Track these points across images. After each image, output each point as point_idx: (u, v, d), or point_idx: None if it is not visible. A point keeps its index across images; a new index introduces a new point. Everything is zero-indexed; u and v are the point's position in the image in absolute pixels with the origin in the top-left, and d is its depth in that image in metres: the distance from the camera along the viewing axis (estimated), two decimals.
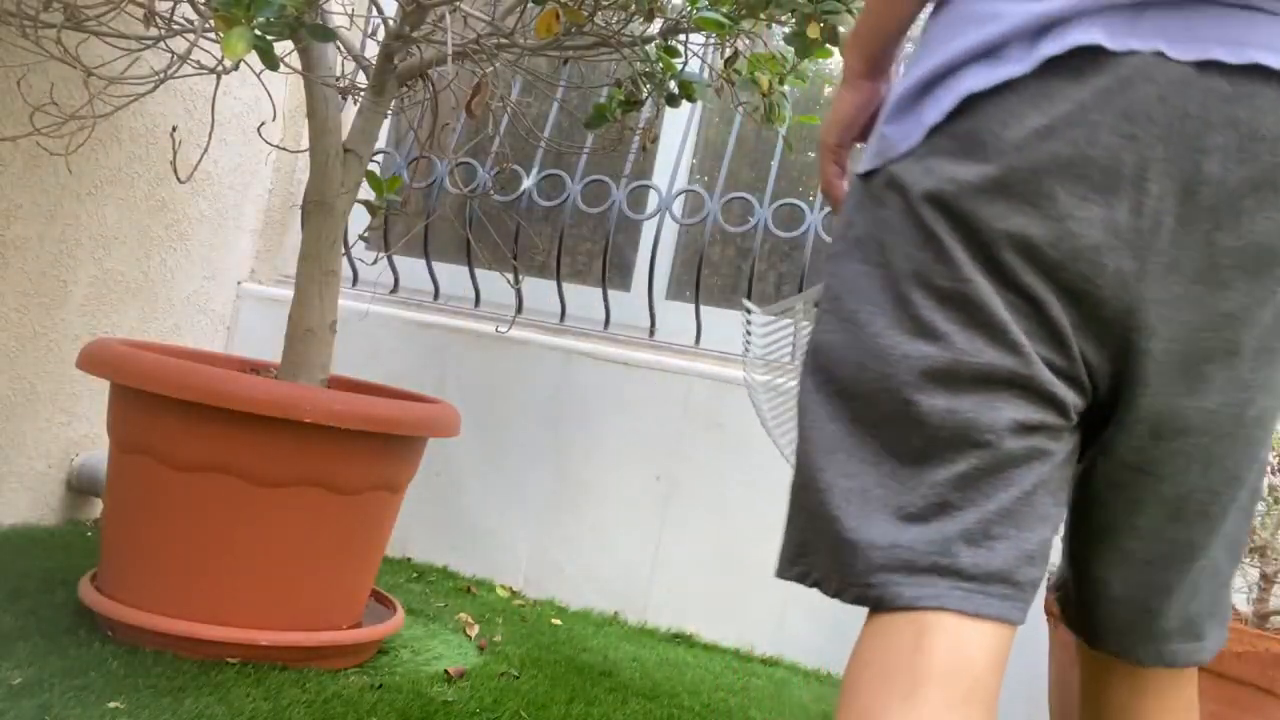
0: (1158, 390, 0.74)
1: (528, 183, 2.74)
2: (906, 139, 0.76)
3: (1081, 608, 0.94)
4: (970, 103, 0.73)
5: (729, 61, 1.82)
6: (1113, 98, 0.70)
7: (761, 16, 1.65)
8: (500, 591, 2.49)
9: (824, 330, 0.81)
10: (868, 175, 0.80)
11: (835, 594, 0.81)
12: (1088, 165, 0.70)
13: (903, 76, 0.81)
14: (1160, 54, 0.69)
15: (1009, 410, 0.73)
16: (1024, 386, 0.73)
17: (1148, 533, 0.84)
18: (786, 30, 1.69)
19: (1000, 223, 0.71)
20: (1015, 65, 0.72)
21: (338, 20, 2.06)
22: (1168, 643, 0.89)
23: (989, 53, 0.74)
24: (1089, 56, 0.70)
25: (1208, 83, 0.69)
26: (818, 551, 0.83)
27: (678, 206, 2.69)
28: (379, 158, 2.86)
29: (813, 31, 1.61)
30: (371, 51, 2.25)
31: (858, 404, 0.77)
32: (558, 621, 2.30)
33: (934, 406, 0.73)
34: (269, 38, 1.43)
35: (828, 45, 1.64)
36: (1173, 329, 0.72)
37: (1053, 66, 0.71)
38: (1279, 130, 0.69)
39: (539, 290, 2.75)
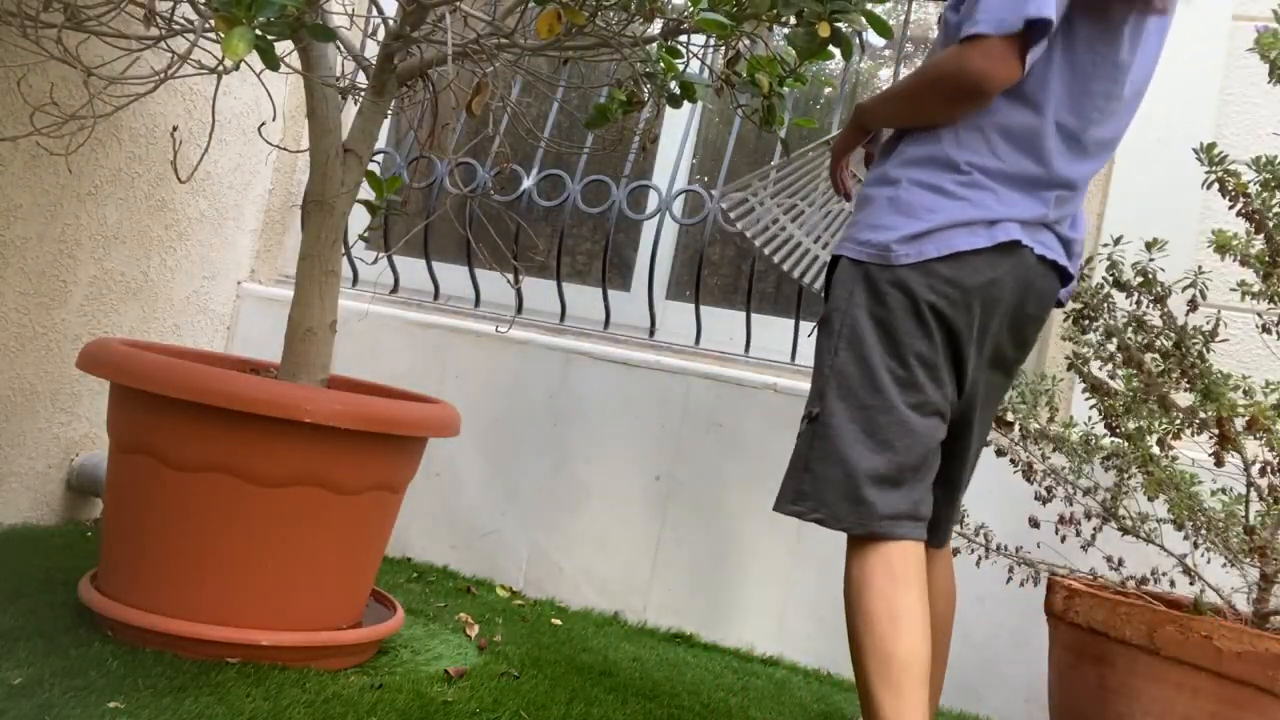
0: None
1: (528, 183, 2.74)
2: (908, 257, 1.41)
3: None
4: (957, 254, 1.41)
5: (730, 62, 1.82)
6: (1016, 268, 1.45)
7: (764, 18, 1.65)
8: (500, 591, 2.49)
9: (845, 362, 1.45)
10: (868, 264, 1.44)
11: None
12: (1001, 300, 1.45)
13: (899, 212, 1.44)
14: (1031, 249, 1.45)
15: (941, 430, 1.47)
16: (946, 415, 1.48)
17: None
18: (788, 31, 1.69)
19: (964, 324, 1.44)
20: (982, 240, 1.42)
21: (338, 20, 2.06)
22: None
23: (966, 225, 1.42)
24: (1014, 245, 1.43)
25: (1040, 266, 1.48)
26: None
27: (678, 206, 2.69)
28: (379, 158, 2.86)
29: (823, 30, 1.60)
30: (371, 51, 2.25)
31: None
32: (558, 621, 2.30)
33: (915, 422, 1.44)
34: (269, 38, 1.43)
35: (830, 47, 1.64)
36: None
37: (999, 246, 1.42)
38: (1050, 292, 1.52)
39: (539, 290, 2.75)
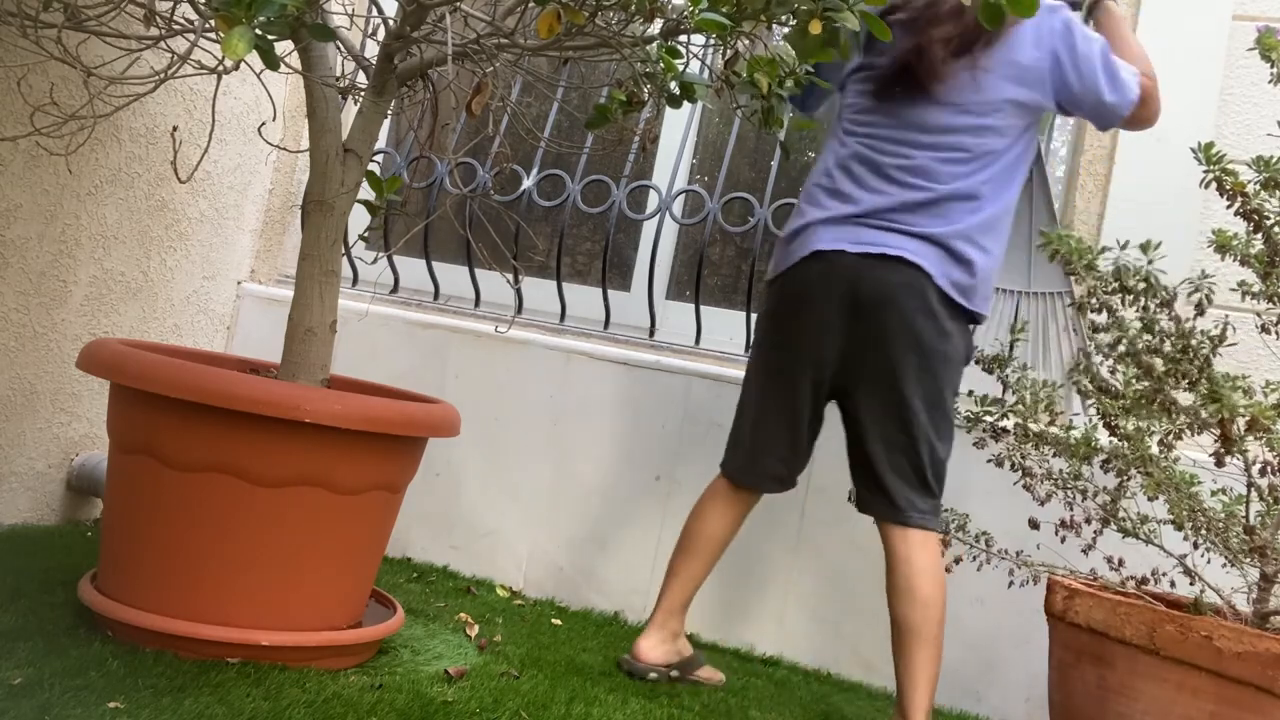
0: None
1: (528, 183, 2.74)
2: (774, 271, 1.97)
3: None
4: (785, 270, 1.92)
5: (729, 62, 1.81)
6: (827, 270, 1.86)
7: (762, 18, 1.65)
8: (500, 591, 2.49)
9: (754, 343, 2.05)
10: (769, 281, 2.00)
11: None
12: (817, 296, 1.87)
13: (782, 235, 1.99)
14: (842, 250, 1.85)
15: (782, 411, 1.97)
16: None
17: None
18: (786, 31, 1.69)
19: (796, 316, 1.91)
20: (797, 256, 1.90)
21: (338, 20, 2.06)
22: None
23: (789, 242, 1.94)
24: (816, 254, 1.87)
25: (864, 260, 1.83)
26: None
27: (678, 206, 2.69)
28: (379, 158, 2.86)
29: (814, 28, 1.60)
30: (371, 51, 2.25)
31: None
32: (558, 621, 2.30)
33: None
34: (269, 37, 1.43)
35: (828, 46, 1.64)
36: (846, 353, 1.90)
37: (804, 259, 1.89)
38: (891, 278, 1.81)
39: (539, 290, 2.75)
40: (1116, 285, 1.79)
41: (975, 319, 1.88)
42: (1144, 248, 1.75)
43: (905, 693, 1.80)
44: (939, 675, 1.81)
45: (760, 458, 1.97)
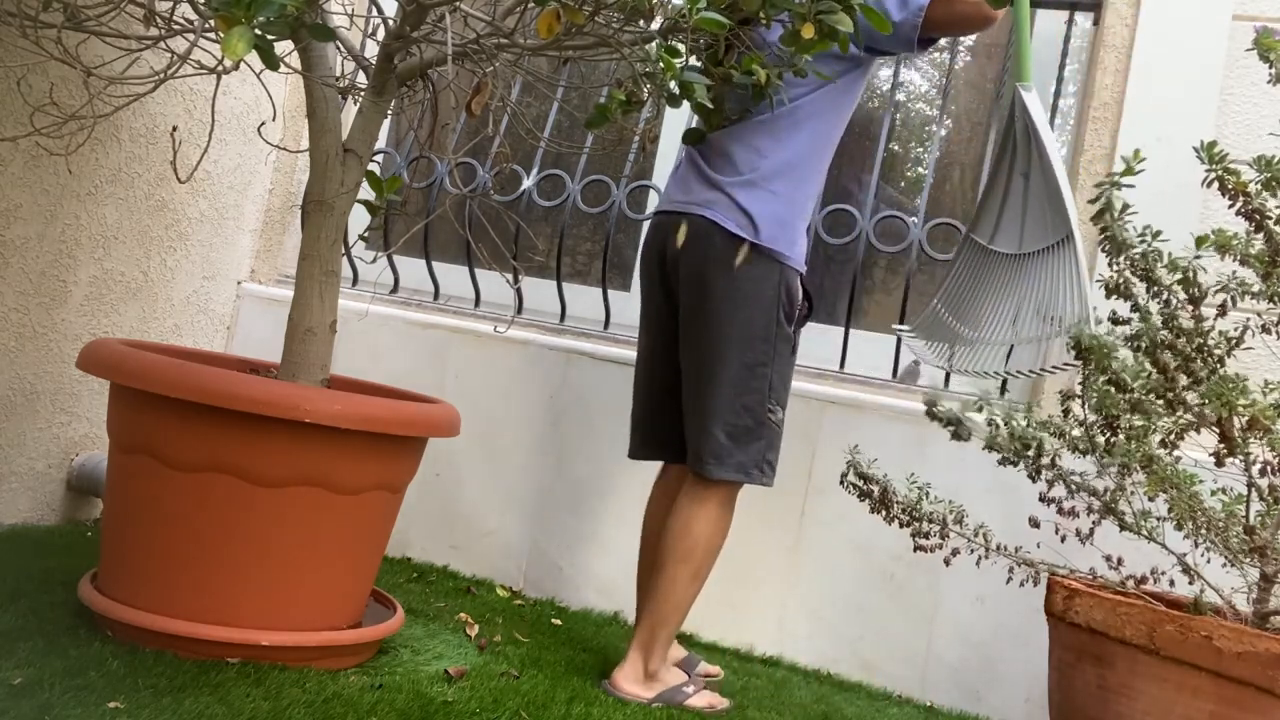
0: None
1: (528, 183, 2.74)
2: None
3: None
4: (655, 218, 2.08)
5: (727, 55, 1.82)
6: (655, 228, 2.05)
7: (761, 18, 1.65)
8: (500, 591, 2.49)
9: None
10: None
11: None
12: (648, 250, 2.06)
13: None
14: (664, 210, 2.02)
15: (650, 378, 2.11)
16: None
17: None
18: (782, 32, 1.69)
19: (644, 268, 2.08)
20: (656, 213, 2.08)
21: (338, 20, 2.06)
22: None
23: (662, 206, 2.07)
24: (656, 215, 2.06)
25: (670, 215, 1.98)
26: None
27: None
28: (379, 158, 2.86)
29: (807, 32, 1.60)
30: (371, 51, 2.25)
31: None
32: (558, 621, 2.30)
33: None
34: (269, 38, 1.43)
35: (825, 40, 1.64)
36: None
37: (655, 216, 2.07)
38: (695, 233, 1.92)
39: (539, 290, 2.75)
40: (1144, 271, 1.76)
41: (774, 256, 1.89)
42: (1200, 241, 1.72)
43: (638, 612, 1.98)
44: (680, 606, 1.90)
45: (644, 429, 2.08)
